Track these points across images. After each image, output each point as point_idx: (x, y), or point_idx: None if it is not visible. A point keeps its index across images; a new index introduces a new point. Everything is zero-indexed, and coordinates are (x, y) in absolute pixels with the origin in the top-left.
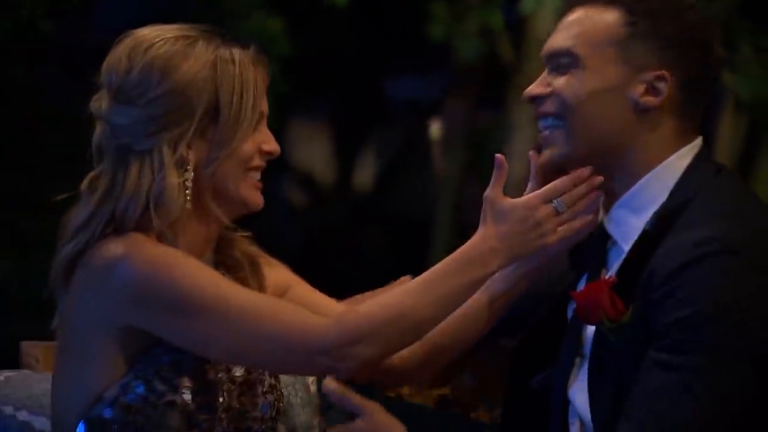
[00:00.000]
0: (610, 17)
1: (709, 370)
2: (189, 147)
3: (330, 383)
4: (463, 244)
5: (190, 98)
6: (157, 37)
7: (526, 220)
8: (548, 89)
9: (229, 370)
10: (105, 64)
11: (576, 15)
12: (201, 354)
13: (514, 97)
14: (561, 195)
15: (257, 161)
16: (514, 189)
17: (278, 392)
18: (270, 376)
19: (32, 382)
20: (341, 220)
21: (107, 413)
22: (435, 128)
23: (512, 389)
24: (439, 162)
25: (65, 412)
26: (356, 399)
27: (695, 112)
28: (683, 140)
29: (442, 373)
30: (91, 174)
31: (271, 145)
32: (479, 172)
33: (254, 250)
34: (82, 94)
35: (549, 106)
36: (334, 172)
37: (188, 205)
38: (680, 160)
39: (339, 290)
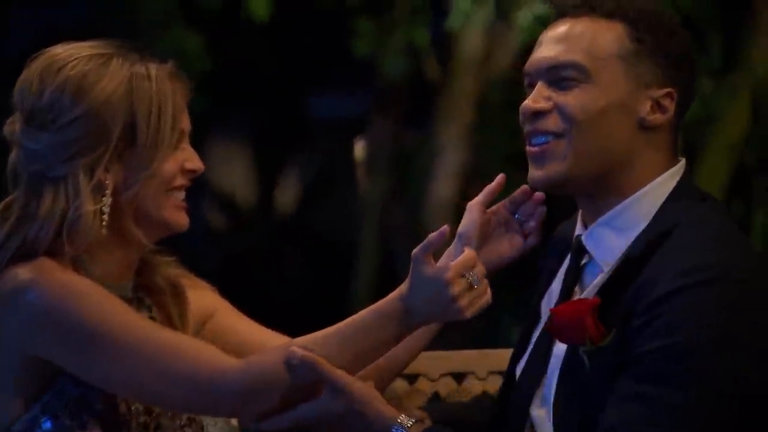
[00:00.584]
0: (615, 31)
1: (685, 407)
2: (106, 171)
3: (297, 351)
4: (386, 267)
5: (105, 120)
6: (70, 56)
7: (444, 294)
8: (550, 104)
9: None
10: (17, 86)
11: (576, 27)
12: (105, 389)
13: (441, 115)
14: (474, 267)
15: (180, 180)
16: (441, 211)
17: (197, 425)
18: None
19: None
20: (262, 243)
21: None
22: (359, 148)
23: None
24: (364, 183)
25: None
26: (325, 367)
27: (679, 131)
28: (672, 161)
29: None
30: (6, 200)
31: (195, 163)
32: (405, 193)
33: (178, 273)
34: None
35: (551, 124)
36: (255, 192)
37: (104, 231)
38: (666, 182)
39: (259, 314)
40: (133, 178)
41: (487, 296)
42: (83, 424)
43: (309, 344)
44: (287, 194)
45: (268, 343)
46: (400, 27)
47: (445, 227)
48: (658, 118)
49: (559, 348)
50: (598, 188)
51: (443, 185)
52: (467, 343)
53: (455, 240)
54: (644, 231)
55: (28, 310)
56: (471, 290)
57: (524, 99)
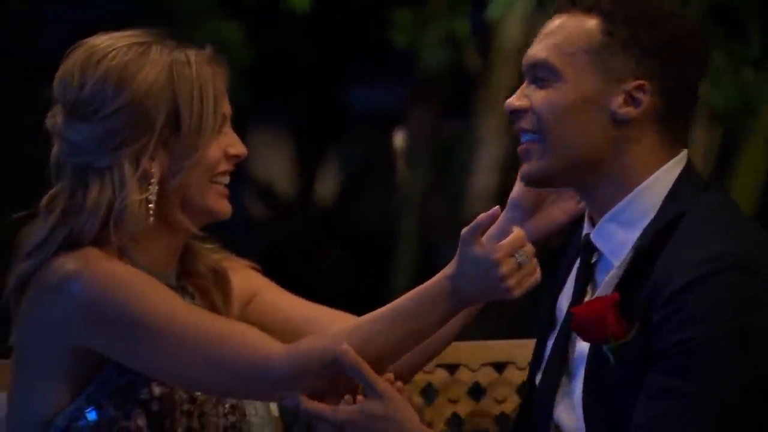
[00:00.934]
0: (587, 25)
1: (715, 399)
2: (152, 159)
3: (347, 354)
4: (426, 260)
5: (148, 109)
6: (109, 46)
7: (493, 273)
8: (526, 102)
9: (188, 390)
10: (57, 78)
11: (555, 24)
12: (150, 376)
13: (481, 107)
14: (522, 247)
15: (224, 166)
16: (481, 203)
17: (239, 412)
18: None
19: None
20: (301, 234)
21: None
22: (398, 139)
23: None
24: (403, 174)
25: None
26: (370, 375)
27: (680, 122)
28: (670, 152)
29: None
30: (50, 192)
31: (238, 148)
32: (444, 185)
33: (220, 257)
34: (31, 105)
35: (527, 123)
36: (294, 183)
37: (151, 220)
38: (668, 173)
39: None
40: (178, 165)
41: (536, 275)
42: (128, 414)
43: (355, 329)
44: (326, 185)
45: (313, 317)
46: (440, 18)
47: (496, 208)
48: (630, 111)
49: (581, 349)
50: (587, 183)
51: (483, 177)
52: (508, 333)
53: (506, 207)
54: (651, 224)
55: (75, 300)
56: (519, 270)
57: None
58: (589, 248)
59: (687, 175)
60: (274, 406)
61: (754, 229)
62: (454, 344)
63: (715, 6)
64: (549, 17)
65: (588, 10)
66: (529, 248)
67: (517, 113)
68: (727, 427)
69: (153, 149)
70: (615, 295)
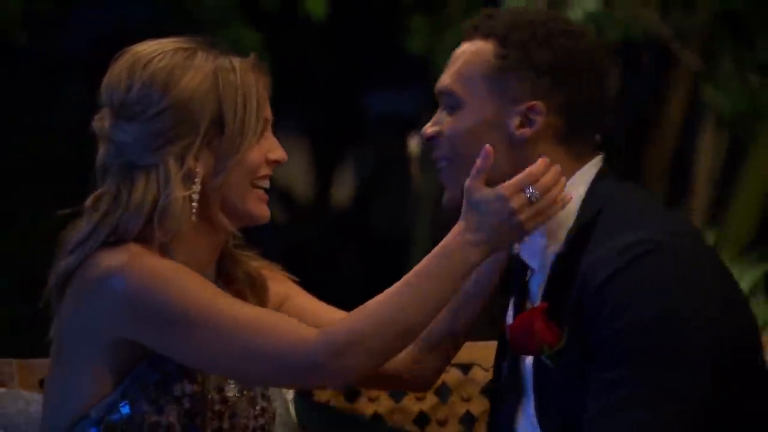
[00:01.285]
0: (484, 50)
1: (656, 382)
2: (196, 159)
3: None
4: None
5: (193, 111)
6: (155, 51)
7: (502, 211)
8: (438, 128)
9: (221, 390)
10: (104, 83)
11: (459, 50)
12: (193, 366)
13: None
14: (534, 182)
15: (264, 170)
16: None
17: (270, 415)
18: (262, 399)
19: (8, 401)
20: (318, 237)
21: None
22: (413, 144)
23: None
24: (417, 178)
25: (52, 426)
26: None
27: (584, 137)
28: (577, 164)
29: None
30: (95, 193)
31: (278, 153)
32: None
33: (258, 265)
34: (59, 104)
35: (439, 150)
36: (311, 187)
37: (194, 218)
38: (581, 179)
39: None
40: (221, 166)
41: (552, 210)
42: (160, 409)
43: (384, 299)
44: (343, 189)
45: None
46: (454, 24)
47: (488, 147)
48: (525, 131)
49: (528, 365)
50: None
51: None
52: None
53: None
54: (571, 228)
55: (118, 293)
56: (531, 205)
57: None
58: (522, 265)
59: (601, 176)
60: (291, 405)
61: (667, 213)
62: (468, 344)
63: (722, 12)
64: None
65: (486, 36)
66: (542, 184)
67: (431, 140)
68: (673, 406)
69: (197, 149)
70: (542, 304)
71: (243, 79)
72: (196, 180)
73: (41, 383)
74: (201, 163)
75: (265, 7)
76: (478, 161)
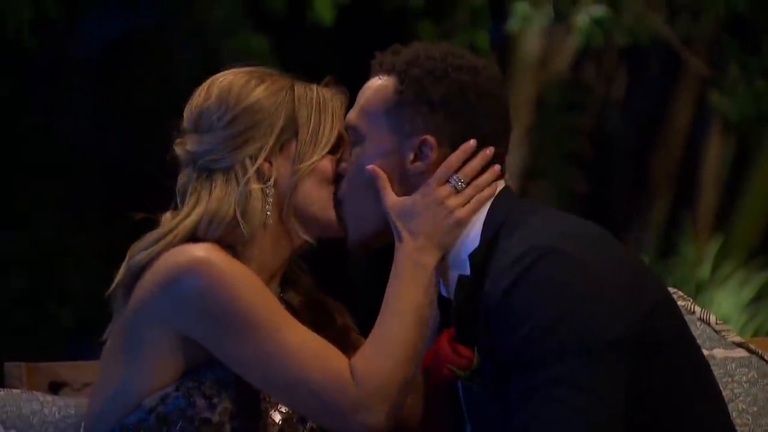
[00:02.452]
0: (385, 86)
1: (572, 375)
2: (270, 163)
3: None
4: None
5: (267, 115)
6: (234, 72)
7: (429, 206)
8: (344, 165)
9: (276, 405)
10: (186, 108)
11: (365, 86)
12: (240, 374)
13: None
14: (455, 172)
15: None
16: None
17: None
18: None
19: (21, 402)
20: (326, 246)
21: (143, 421)
22: None
23: None
24: None
25: (103, 414)
26: None
27: (483, 168)
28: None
29: None
30: (173, 212)
31: None
32: None
33: (317, 294)
34: (65, 108)
35: (339, 190)
36: None
37: (269, 221)
38: (484, 208)
39: None
40: (294, 169)
41: (484, 194)
42: (213, 407)
43: (374, 338)
44: None
45: None
46: (461, 30)
47: (371, 167)
48: (418, 166)
49: (462, 393)
50: None
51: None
52: None
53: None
54: (472, 252)
55: (187, 291)
56: (458, 194)
57: (581, 101)
58: (443, 301)
59: (500, 198)
60: None
61: (562, 220)
62: None
63: (729, 18)
64: (567, 31)
65: (388, 72)
66: (464, 172)
67: (340, 179)
68: (590, 399)
69: (271, 152)
70: (447, 330)
71: (319, 92)
72: (269, 183)
73: (50, 386)
74: (274, 168)
75: (274, 13)
76: (377, 182)
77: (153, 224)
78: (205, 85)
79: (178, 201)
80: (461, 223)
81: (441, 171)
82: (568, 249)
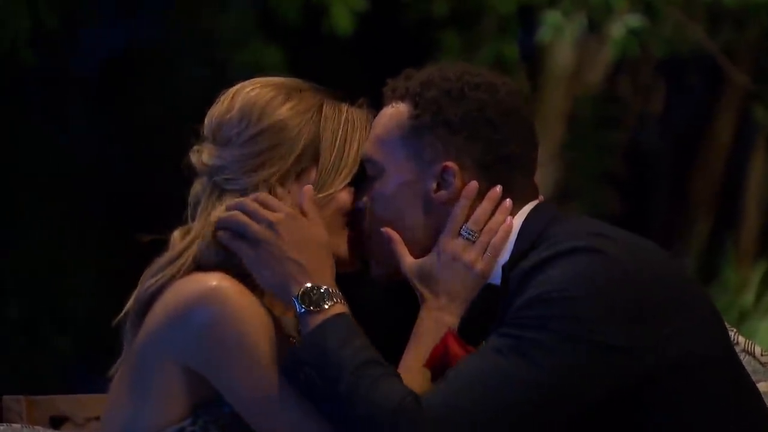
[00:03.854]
0: (400, 112)
1: (539, 348)
2: (288, 191)
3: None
4: None
5: (289, 138)
6: (262, 83)
7: (446, 266)
8: (364, 200)
9: None
10: (207, 114)
11: (379, 114)
12: (239, 411)
13: None
14: (465, 222)
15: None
16: None
17: None
18: None
19: None
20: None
21: None
22: None
23: None
24: None
25: None
26: None
27: (513, 187)
28: (516, 210)
29: None
30: (183, 228)
31: None
32: None
33: None
34: (65, 124)
35: (362, 225)
36: None
37: None
38: (517, 222)
39: None
40: None
41: (498, 240)
42: None
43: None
44: None
45: None
46: (488, 41)
47: (387, 229)
48: (442, 195)
49: None
50: None
51: None
52: None
53: None
54: (505, 263)
55: (197, 325)
56: (473, 245)
57: (616, 116)
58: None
59: (536, 211)
60: None
61: (603, 229)
62: None
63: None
64: (601, 41)
65: (402, 97)
66: (474, 220)
67: (359, 214)
68: (543, 376)
69: (287, 178)
70: (451, 331)
71: (350, 116)
72: None
73: (51, 420)
74: (291, 196)
75: (288, 23)
76: (396, 246)
77: (158, 244)
78: (230, 92)
79: (189, 212)
80: (484, 275)
81: (450, 225)
82: (604, 249)
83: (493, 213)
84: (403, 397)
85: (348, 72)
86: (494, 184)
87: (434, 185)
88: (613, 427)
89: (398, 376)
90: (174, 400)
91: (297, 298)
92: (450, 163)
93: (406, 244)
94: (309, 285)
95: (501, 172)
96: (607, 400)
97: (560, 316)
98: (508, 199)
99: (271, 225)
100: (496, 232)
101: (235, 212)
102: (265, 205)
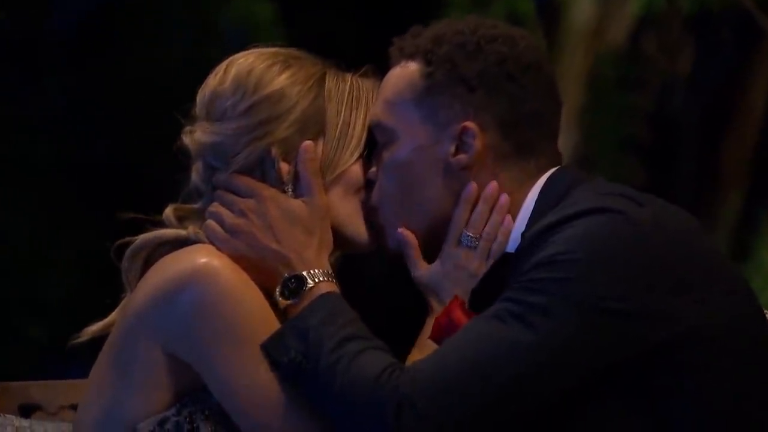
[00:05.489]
0: (410, 72)
1: (538, 314)
2: (288, 161)
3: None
4: None
5: (289, 109)
6: (257, 53)
7: (449, 275)
8: (375, 170)
9: None
10: (199, 90)
11: (387, 75)
12: (220, 398)
13: None
14: (464, 226)
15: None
16: None
17: None
18: None
19: None
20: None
21: None
22: None
23: None
24: None
25: None
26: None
27: (537, 150)
28: (537, 179)
29: None
30: (175, 205)
31: None
32: None
33: None
34: (39, 95)
35: (371, 198)
36: None
37: None
38: (536, 191)
39: None
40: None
41: (497, 246)
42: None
43: None
44: None
45: None
46: None
47: (402, 230)
48: (462, 158)
49: None
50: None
51: None
52: None
53: None
54: (524, 233)
55: (182, 305)
56: (474, 251)
57: (640, 77)
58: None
59: (554, 177)
60: None
61: (622, 191)
62: None
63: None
64: None
65: (411, 56)
66: (473, 225)
67: (370, 185)
68: (543, 346)
69: (290, 152)
70: (457, 300)
71: (355, 84)
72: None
73: (20, 409)
74: (293, 167)
75: None
76: (407, 251)
77: (142, 227)
78: (222, 65)
79: (186, 197)
80: (478, 275)
81: (451, 232)
82: (633, 212)
83: (490, 213)
84: (384, 368)
85: (346, 32)
86: (518, 147)
87: (452, 148)
88: (623, 397)
89: (384, 349)
90: (158, 386)
91: (278, 292)
92: (469, 123)
93: (421, 218)
94: (286, 275)
95: (525, 132)
96: (613, 369)
97: (564, 279)
98: (504, 195)
99: (242, 213)
100: (496, 236)
101: (214, 204)
102: (236, 190)
